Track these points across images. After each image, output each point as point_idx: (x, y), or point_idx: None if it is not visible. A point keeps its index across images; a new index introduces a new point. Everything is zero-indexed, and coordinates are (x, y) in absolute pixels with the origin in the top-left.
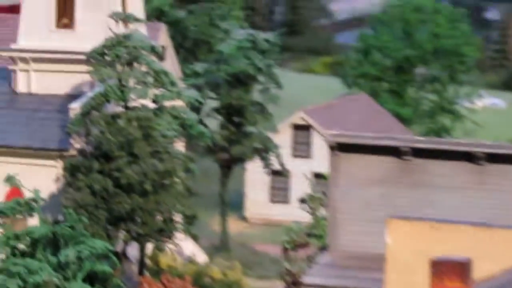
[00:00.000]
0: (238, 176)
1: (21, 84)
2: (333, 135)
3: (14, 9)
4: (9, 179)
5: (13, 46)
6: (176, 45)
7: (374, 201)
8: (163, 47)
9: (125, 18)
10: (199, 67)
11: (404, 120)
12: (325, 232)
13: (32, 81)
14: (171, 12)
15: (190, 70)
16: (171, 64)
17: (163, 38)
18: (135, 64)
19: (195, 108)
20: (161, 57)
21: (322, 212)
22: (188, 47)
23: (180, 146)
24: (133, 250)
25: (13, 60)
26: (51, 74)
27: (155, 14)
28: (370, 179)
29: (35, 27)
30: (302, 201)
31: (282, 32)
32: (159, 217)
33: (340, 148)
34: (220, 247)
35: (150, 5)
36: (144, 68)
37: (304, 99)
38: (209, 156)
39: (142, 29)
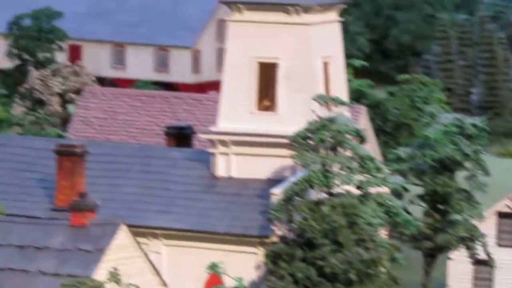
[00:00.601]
0: (439, 265)
1: (221, 168)
2: None
3: (201, 88)
4: (213, 267)
5: (212, 128)
6: (375, 128)
7: None
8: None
9: (330, 101)
10: (402, 152)
11: None
12: None
13: (232, 165)
14: (371, 94)
15: (393, 155)
16: (371, 148)
17: (363, 121)
18: (339, 149)
19: (398, 194)
20: (364, 141)
21: None
22: (388, 130)
23: (382, 233)
24: None
25: (212, 143)
26: (252, 158)
27: (354, 96)
28: None
29: (236, 109)
30: None
31: (489, 116)
32: None
33: None
34: None
35: (350, 86)
36: (348, 153)
37: (507, 185)
38: (411, 244)
39: (344, 111)
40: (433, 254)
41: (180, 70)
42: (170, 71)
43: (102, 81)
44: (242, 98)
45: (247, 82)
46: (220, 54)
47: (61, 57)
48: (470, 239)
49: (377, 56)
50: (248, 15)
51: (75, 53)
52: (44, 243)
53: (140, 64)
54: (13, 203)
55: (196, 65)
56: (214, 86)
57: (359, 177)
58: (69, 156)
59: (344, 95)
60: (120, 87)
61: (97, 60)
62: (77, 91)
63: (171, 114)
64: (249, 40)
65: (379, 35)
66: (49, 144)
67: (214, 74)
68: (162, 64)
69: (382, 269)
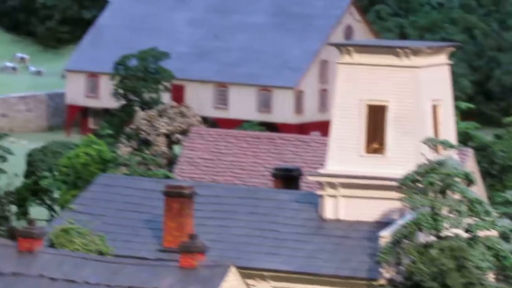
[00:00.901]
0: None
1: (329, 210)
2: None
3: (303, 129)
4: None
5: (321, 170)
6: (482, 171)
7: None
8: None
9: (440, 144)
10: (510, 195)
11: None
12: None
13: (340, 207)
14: (478, 137)
15: (501, 197)
16: (478, 191)
17: (470, 163)
18: (448, 192)
19: (506, 237)
20: (472, 184)
21: None
22: (495, 173)
23: (490, 277)
24: None
25: (320, 185)
26: (360, 200)
27: (461, 138)
28: None
29: (345, 151)
30: None
31: None
32: None
33: None
34: None
35: (457, 128)
36: (457, 196)
37: None
38: None
39: (453, 154)
40: None
41: (282, 110)
42: (272, 111)
43: (205, 121)
44: (350, 141)
45: (356, 125)
46: (322, 95)
47: (164, 97)
48: None
49: (479, 97)
50: (358, 57)
51: (177, 93)
52: (153, 284)
53: (242, 104)
54: (121, 243)
55: (298, 106)
56: (316, 126)
57: (468, 220)
58: (177, 197)
59: (452, 138)
60: (222, 127)
61: (199, 100)
62: (183, 132)
63: (277, 156)
64: (358, 82)
65: (482, 76)
66: (157, 185)
67: (316, 115)
68: (265, 105)
69: None
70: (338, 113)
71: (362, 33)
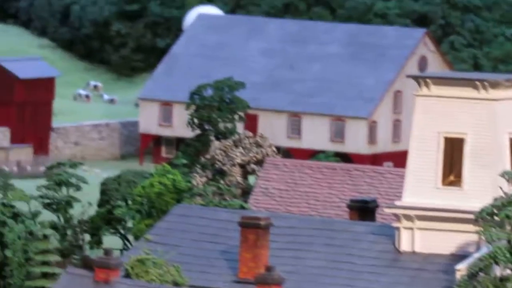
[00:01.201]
0: None
1: (405, 243)
2: None
3: (376, 159)
4: None
5: (397, 202)
6: None
7: None
8: None
9: None
10: None
11: None
12: None
13: (416, 240)
14: None
15: None
16: None
17: None
18: None
19: None
20: None
21: None
22: None
23: None
24: None
25: (397, 217)
26: (436, 233)
27: None
28: None
29: (421, 184)
30: None
31: None
32: None
33: None
34: None
35: None
36: None
37: None
38: None
39: None
40: None
41: (355, 140)
42: (345, 141)
43: (277, 151)
44: (427, 173)
45: (433, 157)
46: (396, 125)
47: (238, 127)
48: None
49: None
50: (436, 90)
51: (251, 122)
52: None
53: (315, 134)
54: (196, 274)
55: (371, 136)
56: (389, 157)
57: None
58: (254, 228)
59: None
60: (295, 157)
61: (272, 130)
62: (259, 162)
63: (353, 187)
64: (436, 114)
65: None
66: (232, 216)
67: (389, 146)
68: (338, 135)
69: None
70: (415, 145)
71: (436, 64)
